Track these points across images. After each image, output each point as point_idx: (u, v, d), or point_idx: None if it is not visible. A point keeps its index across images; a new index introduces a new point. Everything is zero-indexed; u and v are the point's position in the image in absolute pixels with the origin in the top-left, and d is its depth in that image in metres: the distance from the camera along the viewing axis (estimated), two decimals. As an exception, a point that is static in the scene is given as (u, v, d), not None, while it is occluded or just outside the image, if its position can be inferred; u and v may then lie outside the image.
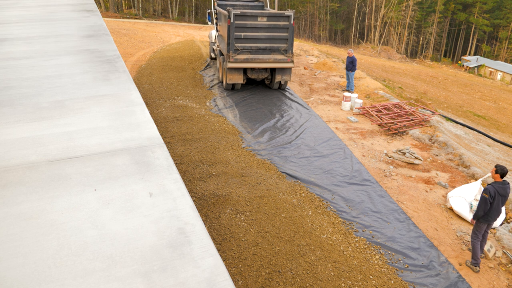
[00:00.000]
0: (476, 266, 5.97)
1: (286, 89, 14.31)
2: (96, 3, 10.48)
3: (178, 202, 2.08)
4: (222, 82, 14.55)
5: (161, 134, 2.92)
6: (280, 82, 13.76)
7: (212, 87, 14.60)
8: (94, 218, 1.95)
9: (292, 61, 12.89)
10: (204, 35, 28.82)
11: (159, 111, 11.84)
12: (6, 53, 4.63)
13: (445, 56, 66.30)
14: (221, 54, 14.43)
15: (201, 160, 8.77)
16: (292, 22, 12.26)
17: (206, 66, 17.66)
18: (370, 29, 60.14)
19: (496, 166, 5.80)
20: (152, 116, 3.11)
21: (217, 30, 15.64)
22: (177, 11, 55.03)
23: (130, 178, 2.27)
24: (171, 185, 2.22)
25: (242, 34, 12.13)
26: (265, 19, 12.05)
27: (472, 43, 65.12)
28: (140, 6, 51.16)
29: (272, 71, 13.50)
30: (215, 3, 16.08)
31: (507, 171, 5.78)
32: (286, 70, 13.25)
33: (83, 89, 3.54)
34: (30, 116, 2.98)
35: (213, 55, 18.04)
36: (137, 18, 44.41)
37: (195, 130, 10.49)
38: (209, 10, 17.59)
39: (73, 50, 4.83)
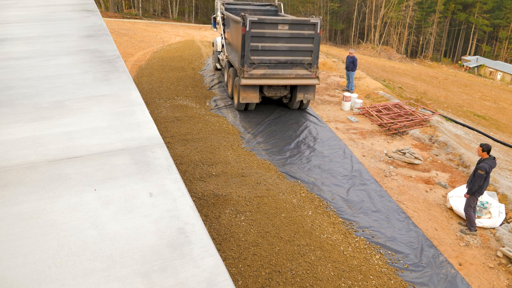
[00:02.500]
0: (473, 230, 6.83)
1: (307, 109, 12.38)
2: (96, 3, 10.48)
3: (178, 202, 2.08)
4: (232, 99, 12.51)
5: (161, 134, 2.92)
6: (301, 101, 11.87)
7: (212, 87, 14.60)
8: (94, 218, 1.95)
9: (317, 77, 11.01)
10: (204, 35, 28.83)
11: (159, 111, 11.84)
12: (6, 53, 4.63)
13: (445, 56, 66.29)
14: (230, 65, 12.75)
15: (201, 160, 8.77)
16: (318, 31, 10.46)
17: (206, 66, 17.66)
18: (370, 29, 60.12)
19: (481, 145, 6.58)
20: (152, 116, 3.11)
21: (224, 38, 13.76)
22: (177, 11, 55.03)
23: (130, 178, 2.27)
24: (171, 185, 2.22)
25: (259, 45, 10.35)
26: (286, 27, 10.29)
27: (472, 43, 65.11)
28: (140, 6, 51.15)
29: (293, 88, 11.56)
30: (222, 7, 14.32)
31: (491, 147, 6.62)
32: (309, 88, 11.30)
33: (83, 89, 3.54)
34: (30, 116, 2.97)
35: (218, 66, 15.84)
36: (137, 18, 44.41)
37: (195, 130, 10.49)
38: (214, 15, 15.69)
39: (73, 50, 4.83)
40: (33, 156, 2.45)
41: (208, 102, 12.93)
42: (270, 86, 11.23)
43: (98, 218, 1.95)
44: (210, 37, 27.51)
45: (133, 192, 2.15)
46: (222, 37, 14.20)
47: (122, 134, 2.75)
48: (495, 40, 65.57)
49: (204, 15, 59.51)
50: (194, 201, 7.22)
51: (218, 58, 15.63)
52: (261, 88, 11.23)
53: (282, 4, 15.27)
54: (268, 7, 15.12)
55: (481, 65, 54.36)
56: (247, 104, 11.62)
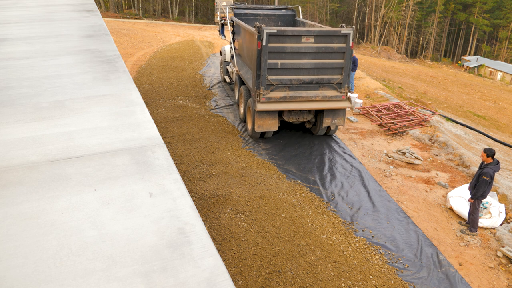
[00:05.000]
0: (473, 231, 6.88)
1: (333, 136, 10.55)
2: (96, 3, 10.45)
3: (178, 202, 2.08)
4: (245, 123, 10.60)
5: (161, 134, 2.92)
6: (329, 127, 10.11)
7: (212, 87, 14.60)
8: (94, 218, 1.95)
9: (348, 99, 9.25)
10: (204, 35, 28.84)
11: (159, 111, 11.84)
12: (6, 53, 4.63)
13: (445, 56, 66.29)
14: (242, 82, 11.07)
15: (201, 160, 8.77)
16: (350, 43, 8.72)
17: (206, 66, 17.66)
18: (370, 29, 60.13)
19: (485, 151, 6.55)
20: (152, 116, 3.11)
21: (234, 48, 12.10)
22: (177, 11, 55.04)
23: (130, 178, 2.27)
24: (171, 185, 2.22)
25: (279, 62, 8.59)
26: (312, 39, 8.52)
27: (472, 43, 65.12)
28: (140, 6, 51.16)
29: (319, 111, 9.82)
30: (231, 12, 12.56)
31: (495, 152, 6.60)
32: (338, 111, 9.52)
33: (83, 89, 3.54)
34: (30, 116, 2.97)
35: (227, 79, 14.03)
36: (137, 18, 44.42)
37: (195, 130, 10.49)
38: (222, 21, 13.91)
39: (73, 50, 4.83)
40: (33, 156, 2.45)
41: (208, 102, 12.93)
42: (291, 111, 9.47)
43: (98, 218, 1.95)
44: (210, 37, 27.52)
45: (133, 192, 2.15)
46: (231, 47, 12.48)
47: (122, 134, 2.75)
48: (495, 40, 65.58)
49: (204, 15, 59.53)
50: (194, 201, 7.22)
51: (227, 70, 13.86)
52: (280, 112, 9.46)
53: (300, 8, 13.30)
54: (283, 11, 13.24)
55: (481, 65, 54.37)
56: (263, 132, 9.85)
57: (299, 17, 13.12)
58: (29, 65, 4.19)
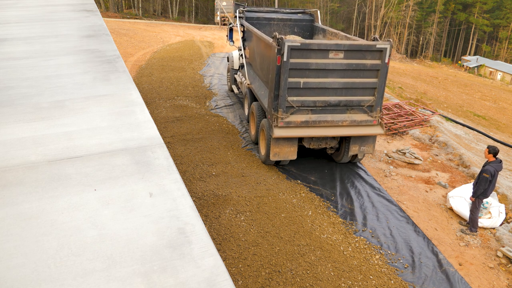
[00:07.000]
0: (474, 231, 6.86)
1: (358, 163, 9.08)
2: (96, 3, 10.44)
3: (178, 202, 2.08)
4: (258, 146, 9.13)
5: (161, 134, 2.92)
6: (355, 155, 8.63)
7: (212, 87, 14.61)
8: (94, 218, 1.95)
9: (380, 124, 7.90)
10: (204, 35, 28.84)
11: (159, 111, 11.84)
12: (6, 53, 4.63)
13: (445, 56, 66.31)
14: (254, 98, 9.80)
15: (201, 160, 8.78)
16: (386, 60, 7.38)
17: (206, 66, 17.66)
18: (370, 29, 60.12)
19: (488, 147, 6.59)
20: (152, 116, 3.11)
21: (244, 56, 10.83)
22: (177, 11, 55.04)
23: (130, 178, 2.27)
24: (171, 185, 2.22)
25: (301, 80, 7.24)
26: (341, 54, 7.21)
27: (472, 43, 65.13)
28: (140, 6, 51.16)
29: (344, 137, 8.35)
30: (242, 15, 11.06)
31: (498, 150, 6.57)
32: (368, 138, 8.14)
33: (83, 89, 3.54)
34: (30, 116, 2.97)
35: (235, 90, 12.64)
36: (137, 18, 44.41)
37: (195, 130, 10.49)
38: (231, 25, 12.54)
39: (73, 50, 4.83)
40: (33, 156, 2.45)
41: (208, 102, 12.93)
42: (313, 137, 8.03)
43: (98, 218, 1.95)
44: (210, 37, 27.52)
45: (133, 192, 2.15)
46: (241, 54, 11.25)
47: (122, 134, 2.75)
48: (495, 40, 65.58)
49: (204, 15, 59.52)
50: (194, 201, 7.22)
51: (235, 79, 12.62)
52: (300, 138, 8.05)
53: (318, 12, 11.99)
54: (300, 16, 11.81)
55: (481, 65, 54.38)
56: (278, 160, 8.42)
57: (318, 22, 11.76)
58: (29, 65, 4.19)
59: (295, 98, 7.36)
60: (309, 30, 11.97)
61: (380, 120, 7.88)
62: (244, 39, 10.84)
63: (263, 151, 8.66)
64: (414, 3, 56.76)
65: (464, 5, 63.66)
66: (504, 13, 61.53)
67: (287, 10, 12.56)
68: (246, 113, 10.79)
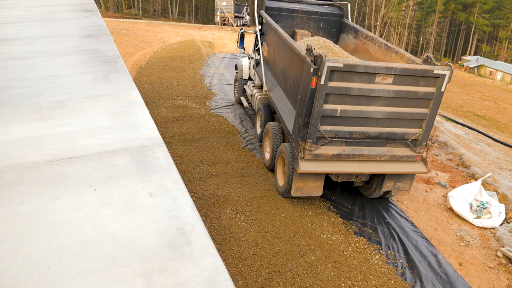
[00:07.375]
0: None
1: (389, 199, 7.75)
2: (96, 3, 10.43)
3: (178, 202, 2.08)
4: (272, 172, 8.12)
5: (161, 134, 2.92)
6: (389, 191, 7.34)
7: (212, 87, 14.60)
8: (94, 218, 1.95)
9: (424, 160, 6.62)
10: (204, 35, 28.84)
11: (159, 111, 11.84)
12: (6, 53, 4.63)
13: (445, 56, 66.34)
14: (268, 115, 8.75)
15: (201, 160, 8.78)
16: (443, 88, 6.12)
17: (205, 66, 17.66)
18: (370, 29, 60.11)
19: None
20: (152, 116, 3.11)
21: (256, 64, 9.61)
22: (177, 11, 55.05)
23: (130, 178, 2.27)
24: (171, 185, 2.22)
25: (339, 108, 5.95)
26: (390, 79, 5.84)
27: (472, 43, 65.15)
28: (140, 6, 51.17)
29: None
30: (262, 9, 9.55)
31: None
32: (406, 174, 6.86)
33: (83, 89, 3.54)
34: (30, 116, 2.97)
35: (245, 103, 11.00)
36: (137, 18, 44.42)
37: (195, 130, 10.49)
38: (242, 30, 11.41)
39: (73, 50, 4.83)
40: (33, 156, 2.45)
41: (208, 102, 12.93)
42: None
43: (98, 218, 1.95)
44: (210, 37, 27.52)
45: (133, 192, 2.15)
46: (252, 65, 9.87)
47: (122, 134, 2.75)
48: (495, 40, 65.60)
49: (204, 15, 59.54)
50: (194, 201, 7.22)
51: (244, 89, 11.16)
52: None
53: (349, 5, 10.28)
54: (328, 9, 10.13)
55: (481, 65, 54.39)
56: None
57: (348, 18, 10.10)
58: (29, 65, 4.19)
59: (328, 128, 6.09)
60: (336, 26, 10.22)
61: (423, 155, 6.64)
62: (262, 33, 9.37)
63: (280, 181, 7.40)
64: (414, 3, 56.77)
65: (464, 5, 63.68)
66: (504, 13, 61.56)
67: (313, 1, 10.68)
68: (257, 130, 9.42)
